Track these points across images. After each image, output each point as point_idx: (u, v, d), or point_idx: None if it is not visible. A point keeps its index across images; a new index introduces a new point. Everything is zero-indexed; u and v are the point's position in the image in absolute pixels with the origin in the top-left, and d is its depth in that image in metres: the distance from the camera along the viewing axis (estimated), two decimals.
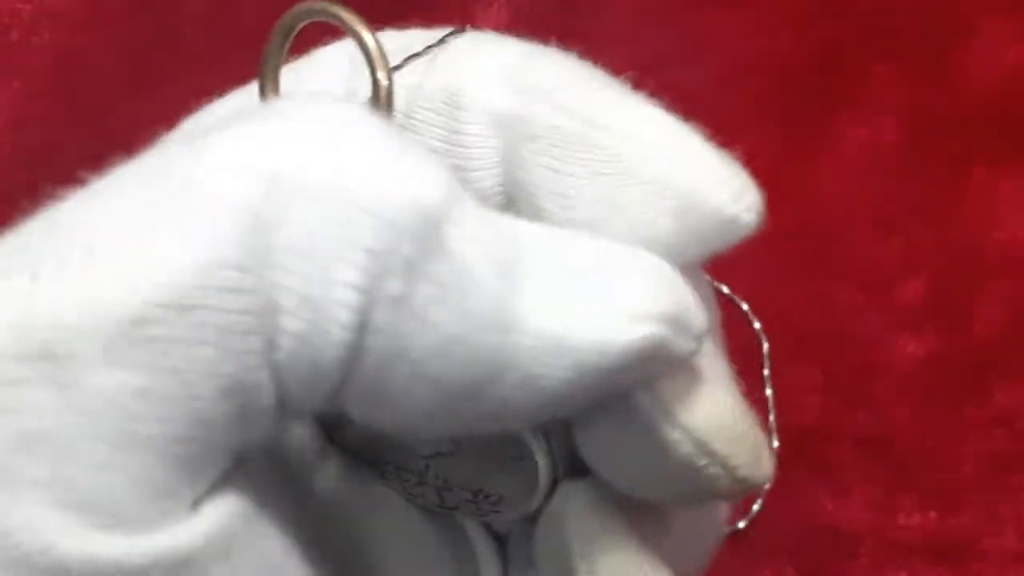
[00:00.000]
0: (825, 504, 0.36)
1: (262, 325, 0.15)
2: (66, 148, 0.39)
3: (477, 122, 0.19)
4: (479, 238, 0.16)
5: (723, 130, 0.18)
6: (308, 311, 0.15)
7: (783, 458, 0.37)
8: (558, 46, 0.22)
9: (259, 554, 0.16)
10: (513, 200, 0.19)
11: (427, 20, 0.28)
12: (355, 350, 0.15)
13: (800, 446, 0.37)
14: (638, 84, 0.21)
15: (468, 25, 0.22)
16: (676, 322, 0.17)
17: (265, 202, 0.15)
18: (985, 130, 0.41)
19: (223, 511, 0.15)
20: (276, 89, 0.20)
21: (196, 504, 0.15)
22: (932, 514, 0.36)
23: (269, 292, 0.15)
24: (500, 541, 0.21)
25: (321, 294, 0.15)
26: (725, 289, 0.28)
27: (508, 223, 0.17)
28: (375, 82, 0.18)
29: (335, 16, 0.19)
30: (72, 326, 0.14)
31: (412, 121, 0.19)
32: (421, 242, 0.15)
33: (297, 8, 0.19)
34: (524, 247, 0.17)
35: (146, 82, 0.40)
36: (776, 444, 0.37)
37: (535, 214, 0.18)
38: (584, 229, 0.18)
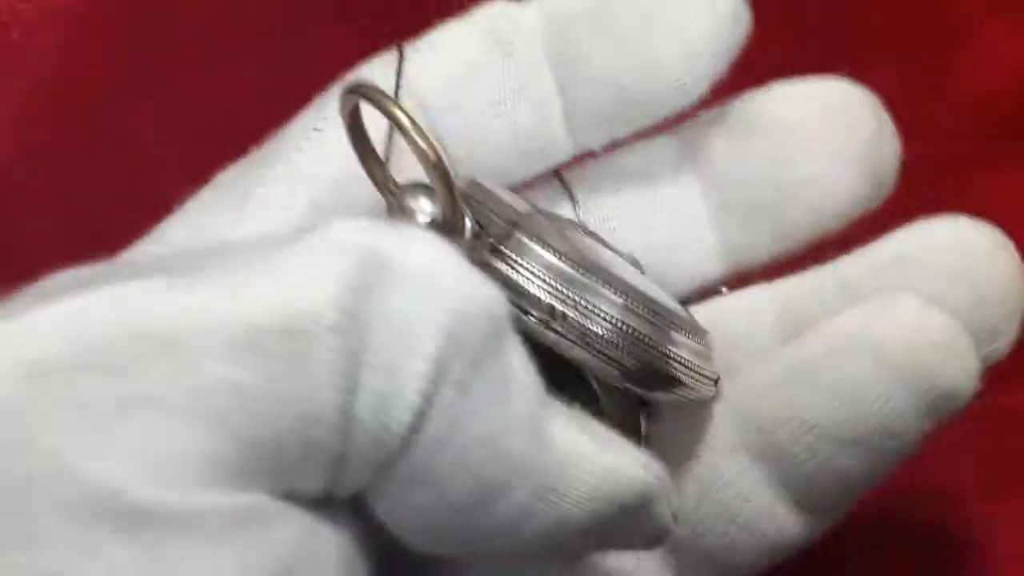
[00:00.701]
0: None
1: (349, 370, 0.17)
2: (66, 148, 0.39)
3: (528, 54, 0.23)
4: (524, 358, 0.19)
5: None
6: (389, 371, 0.17)
7: None
8: None
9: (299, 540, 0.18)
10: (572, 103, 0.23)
11: (427, 18, 0.28)
12: (420, 419, 0.18)
13: None
14: None
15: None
16: (666, 489, 0.20)
17: (368, 272, 0.18)
18: (985, 130, 0.41)
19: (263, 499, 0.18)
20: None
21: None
22: (932, 514, 0.36)
23: (360, 345, 0.17)
24: None
25: (402, 361, 0.18)
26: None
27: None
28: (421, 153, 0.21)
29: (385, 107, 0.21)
30: (199, 323, 0.17)
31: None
32: (487, 340, 0.18)
33: (353, 87, 0.21)
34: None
35: (146, 82, 0.40)
36: None
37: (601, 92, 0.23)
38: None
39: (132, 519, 0.16)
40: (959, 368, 0.23)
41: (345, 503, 0.19)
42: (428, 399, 0.18)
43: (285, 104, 0.36)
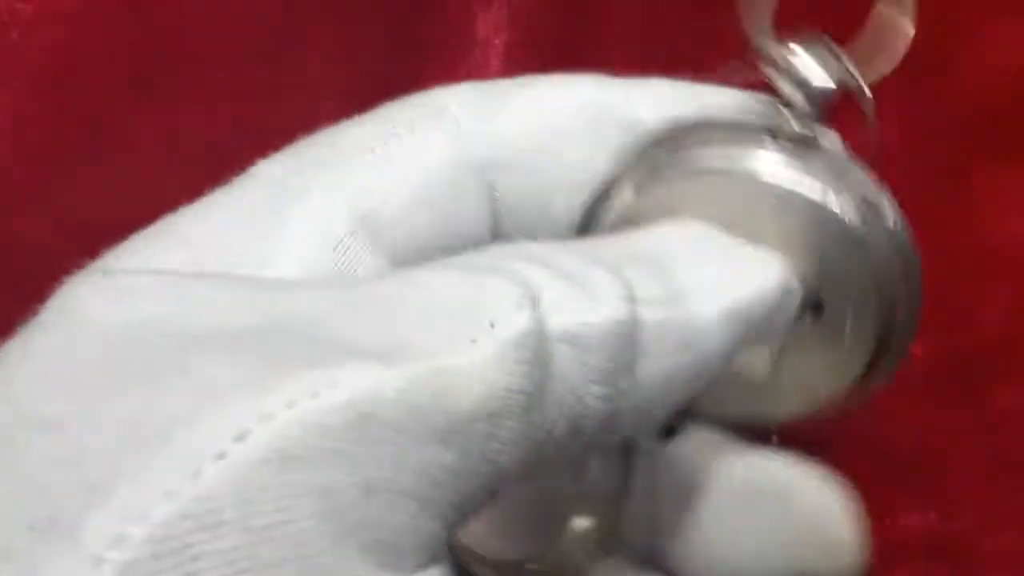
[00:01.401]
0: None
1: (537, 433, 0.20)
2: (66, 148, 0.39)
3: None
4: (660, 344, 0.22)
5: None
6: (570, 412, 0.21)
7: None
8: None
9: None
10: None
11: (427, 18, 0.28)
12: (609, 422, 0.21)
13: (800, 446, 0.37)
14: None
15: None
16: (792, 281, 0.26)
17: (535, 352, 0.20)
18: (985, 130, 0.41)
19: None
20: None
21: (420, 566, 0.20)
22: (932, 514, 0.36)
23: (540, 407, 0.20)
24: None
25: (578, 409, 0.21)
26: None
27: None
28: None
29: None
30: (414, 408, 0.19)
31: None
32: (626, 340, 0.21)
33: None
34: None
35: (146, 82, 0.40)
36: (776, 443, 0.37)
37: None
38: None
39: None
40: None
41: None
42: (611, 404, 0.21)
43: (284, 104, 0.36)
